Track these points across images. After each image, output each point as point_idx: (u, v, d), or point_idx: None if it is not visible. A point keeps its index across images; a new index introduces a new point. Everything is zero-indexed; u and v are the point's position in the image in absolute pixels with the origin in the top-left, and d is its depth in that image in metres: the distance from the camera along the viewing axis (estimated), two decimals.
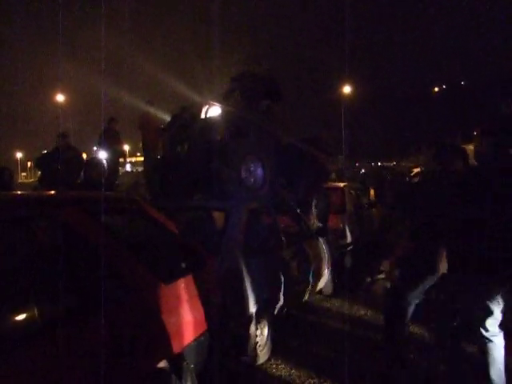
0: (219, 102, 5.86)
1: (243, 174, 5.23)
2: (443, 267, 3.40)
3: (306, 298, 5.45)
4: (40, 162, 8.44)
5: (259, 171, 5.35)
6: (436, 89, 69.02)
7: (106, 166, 7.08)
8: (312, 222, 6.26)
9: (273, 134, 5.95)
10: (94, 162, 5.27)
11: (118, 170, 10.84)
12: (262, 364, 4.17)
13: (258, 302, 4.03)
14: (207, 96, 6.47)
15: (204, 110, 5.87)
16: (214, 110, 5.80)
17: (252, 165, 5.30)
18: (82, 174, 5.57)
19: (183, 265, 3.28)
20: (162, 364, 2.60)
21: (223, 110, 5.67)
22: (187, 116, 5.94)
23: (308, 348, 4.54)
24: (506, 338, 3.09)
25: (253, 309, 3.94)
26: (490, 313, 2.99)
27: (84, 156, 11.02)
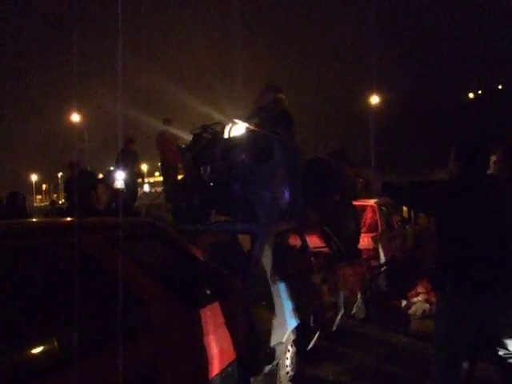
0: (243, 120, 5.92)
1: (269, 196, 5.26)
2: None
3: (338, 323, 5.42)
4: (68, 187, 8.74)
5: (286, 192, 5.37)
6: (471, 95, 68.19)
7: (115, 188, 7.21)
8: (342, 242, 6.23)
9: (298, 150, 5.99)
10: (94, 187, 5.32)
11: (136, 191, 11.02)
12: None
13: (287, 329, 4.03)
14: (229, 114, 6.57)
15: (227, 129, 5.94)
16: (237, 129, 5.86)
17: (278, 185, 5.33)
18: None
19: (208, 292, 3.31)
20: None
21: (247, 129, 5.72)
22: (209, 135, 6.01)
23: (340, 378, 4.51)
24: None
25: (282, 337, 3.94)
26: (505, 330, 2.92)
27: (100, 177, 11.29)
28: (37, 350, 2.00)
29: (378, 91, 34.22)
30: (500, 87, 68.61)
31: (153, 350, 2.42)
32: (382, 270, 7.73)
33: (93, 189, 5.17)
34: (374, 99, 32.98)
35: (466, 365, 3.04)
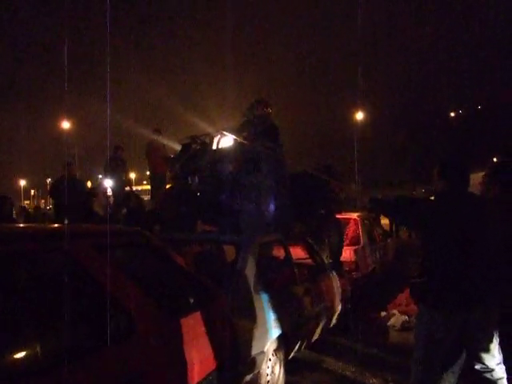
0: (231, 132, 5.93)
1: (255, 207, 5.26)
2: None
3: (319, 334, 5.40)
4: (54, 192, 8.73)
5: (271, 204, 5.38)
6: (452, 114, 69.47)
7: (109, 195, 7.25)
8: (325, 254, 6.25)
9: (285, 164, 6.00)
10: (94, 192, 5.37)
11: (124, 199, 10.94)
12: None
13: (269, 339, 4.01)
14: (218, 126, 6.56)
15: (216, 141, 5.94)
16: (226, 141, 5.86)
17: (264, 197, 5.34)
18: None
19: (191, 300, 3.29)
20: None
21: (235, 141, 5.73)
22: (197, 146, 6.01)
23: None
24: None
25: (264, 346, 3.92)
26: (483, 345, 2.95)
27: (88, 184, 11.20)
28: (22, 355, 1.97)
29: (364, 109, 34.51)
30: (479, 107, 69.98)
31: (136, 356, 2.40)
32: (363, 282, 7.74)
33: (93, 195, 5.24)
34: (359, 115, 33.23)
35: (443, 378, 3.05)
